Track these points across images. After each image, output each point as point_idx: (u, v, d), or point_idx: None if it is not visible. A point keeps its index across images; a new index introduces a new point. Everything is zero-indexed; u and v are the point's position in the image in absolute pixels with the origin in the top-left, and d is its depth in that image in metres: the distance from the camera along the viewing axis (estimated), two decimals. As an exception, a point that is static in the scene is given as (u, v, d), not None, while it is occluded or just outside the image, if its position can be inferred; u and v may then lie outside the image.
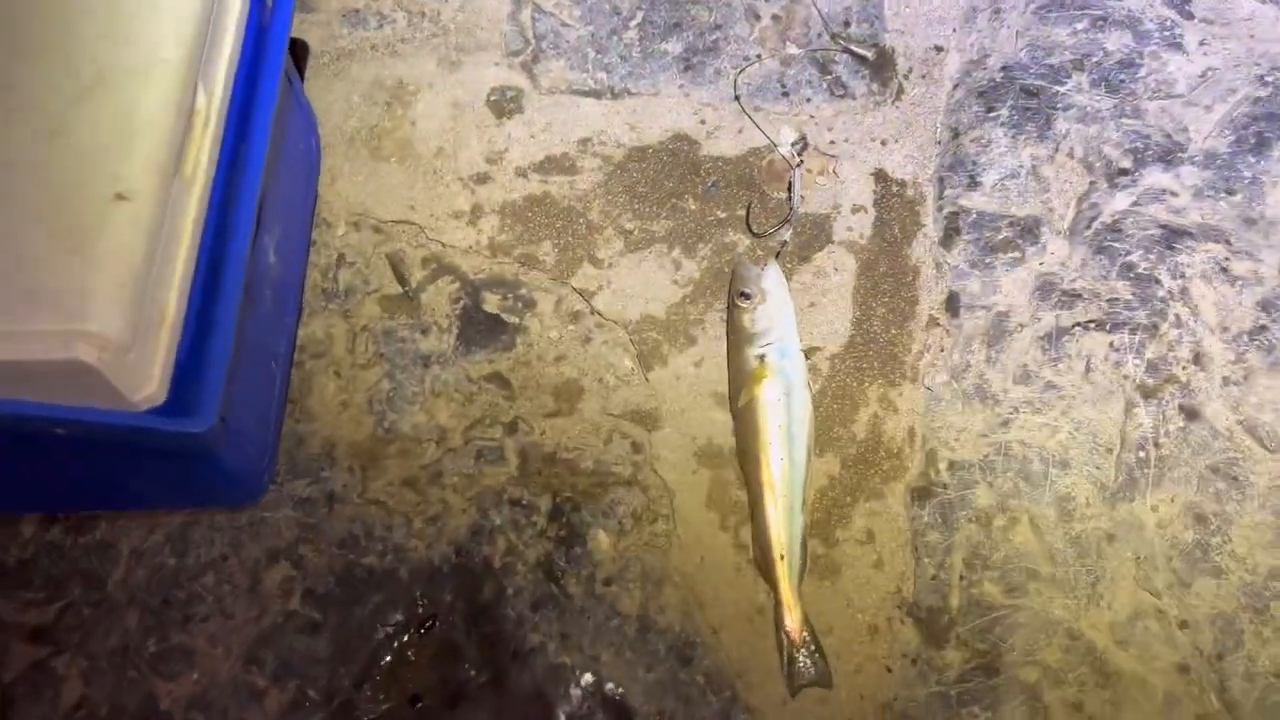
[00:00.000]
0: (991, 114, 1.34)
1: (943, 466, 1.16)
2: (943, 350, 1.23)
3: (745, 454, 1.20)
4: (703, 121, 1.40)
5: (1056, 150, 1.31)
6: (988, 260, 1.26)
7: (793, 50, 1.46)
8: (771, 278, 1.23)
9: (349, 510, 1.16)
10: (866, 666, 1.11)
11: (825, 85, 1.43)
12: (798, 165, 1.34)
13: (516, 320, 1.28)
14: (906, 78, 1.43)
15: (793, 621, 1.11)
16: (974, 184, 1.30)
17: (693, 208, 1.35)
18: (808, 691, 1.09)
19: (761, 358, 1.20)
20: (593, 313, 1.29)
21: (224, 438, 0.96)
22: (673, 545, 1.17)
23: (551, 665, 1.09)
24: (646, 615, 1.12)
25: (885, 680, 1.10)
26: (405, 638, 1.10)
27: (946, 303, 1.26)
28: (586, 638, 1.10)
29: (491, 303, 1.29)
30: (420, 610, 1.11)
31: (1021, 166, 1.30)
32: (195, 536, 1.12)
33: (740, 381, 1.22)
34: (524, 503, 1.17)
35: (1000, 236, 1.26)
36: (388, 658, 1.09)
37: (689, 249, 1.33)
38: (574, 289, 1.30)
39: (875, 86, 1.43)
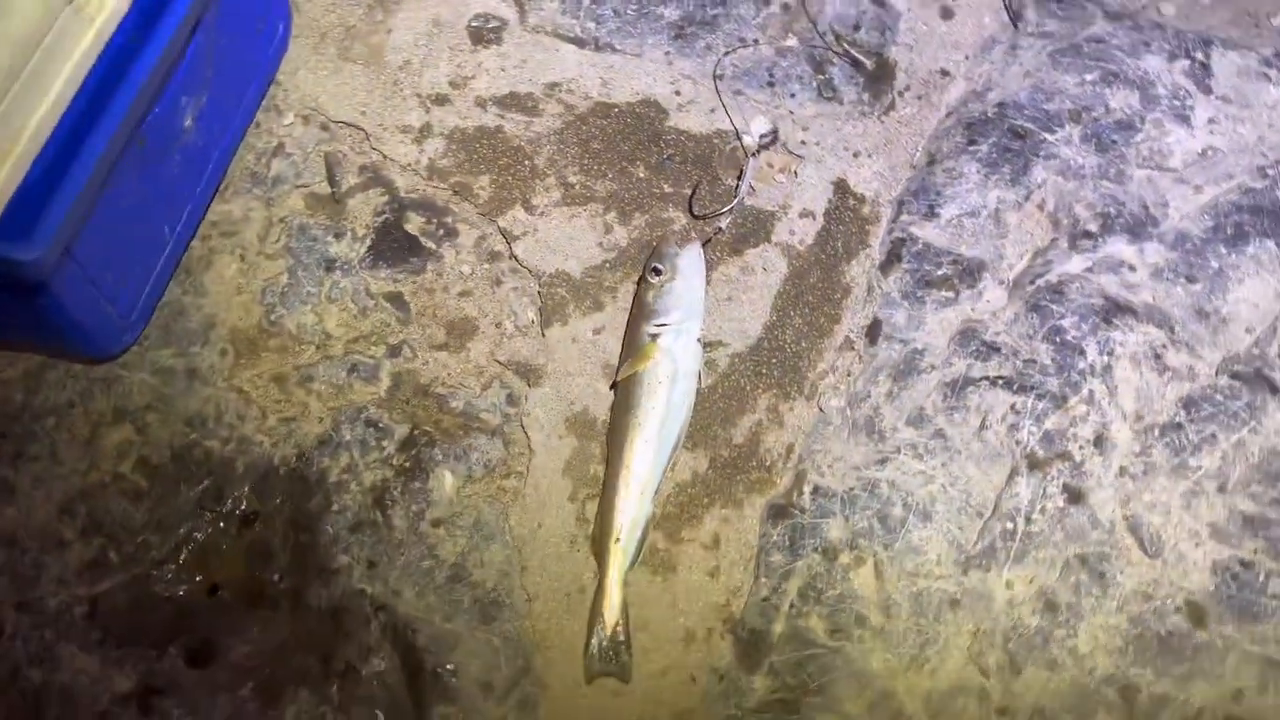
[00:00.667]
0: (971, 147, 1.27)
1: (807, 490, 1.10)
2: (849, 375, 1.17)
3: (613, 429, 1.15)
4: (678, 92, 1.35)
5: (1027, 198, 1.23)
6: (920, 294, 1.19)
7: (791, 42, 1.40)
8: (689, 259, 1.18)
9: (208, 391, 1.14)
10: (672, 672, 1.06)
11: (815, 84, 1.37)
12: (754, 155, 1.29)
13: (433, 246, 1.25)
14: (901, 95, 1.36)
15: (609, 607, 1.07)
16: (931, 214, 1.23)
17: (641, 175, 1.30)
18: (604, 682, 1.05)
19: (655, 336, 1.15)
20: (511, 256, 1.26)
21: (63, 274, 0.95)
22: (516, 504, 1.13)
23: (351, 589, 1.06)
24: (463, 565, 1.08)
25: (686, 690, 1.05)
26: (222, 527, 1.08)
27: (868, 329, 1.19)
28: (394, 572, 1.07)
29: (414, 224, 1.26)
30: (245, 505, 1.09)
31: (984, 206, 1.22)
32: (50, 378, 1.12)
33: (627, 355, 1.17)
34: (380, 425, 1.14)
35: (939, 273, 1.19)
36: (199, 542, 1.07)
37: (624, 216, 1.28)
38: (499, 229, 1.27)
39: (866, 96, 1.36)
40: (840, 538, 1.06)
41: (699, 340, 1.17)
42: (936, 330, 1.16)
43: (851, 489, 1.08)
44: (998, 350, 1.12)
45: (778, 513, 1.09)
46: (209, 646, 1.04)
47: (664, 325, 1.15)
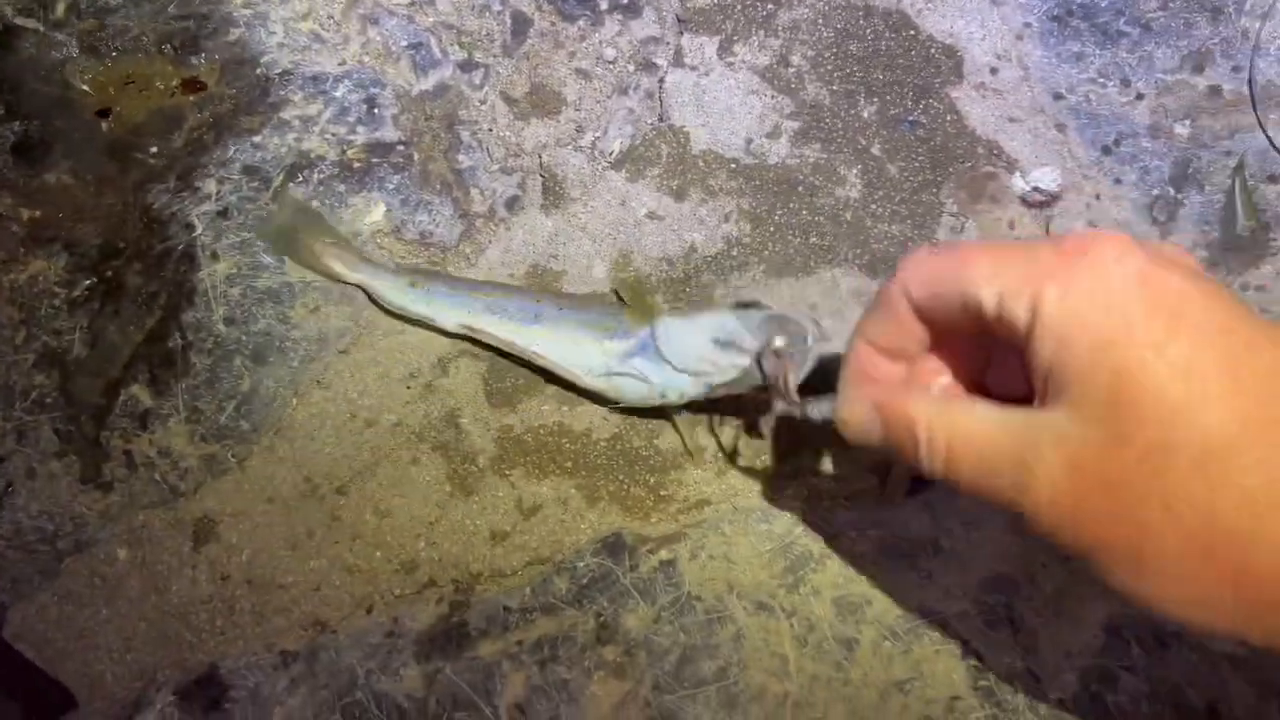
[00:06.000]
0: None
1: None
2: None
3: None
4: (993, 70, 0.98)
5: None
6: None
7: (1183, 130, 0.96)
8: (788, 344, 0.74)
9: (285, -47, 0.98)
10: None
11: (1156, 191, 0.94)
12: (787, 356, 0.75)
13: (604, 8, 0.99)
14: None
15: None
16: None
17: (864, 114, 0.96)
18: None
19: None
20: (660, 81, 0.98)
21: None
22: (410, 292, 0.89)
23: (187, 214, 0.88)
24: (295, 290, 0.87)
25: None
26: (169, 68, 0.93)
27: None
28: (234, 235, 0.87)
29: None
30: (204, 64, 0.93)
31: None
32: None
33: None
34: (377, 108, 0.93)
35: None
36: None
37: (803, 134, 0.96)
38: (677, 47, 0.98)
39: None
40: (637, 625, 0.75)
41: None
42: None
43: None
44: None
45: (615, 545, 0.79)
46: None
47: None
